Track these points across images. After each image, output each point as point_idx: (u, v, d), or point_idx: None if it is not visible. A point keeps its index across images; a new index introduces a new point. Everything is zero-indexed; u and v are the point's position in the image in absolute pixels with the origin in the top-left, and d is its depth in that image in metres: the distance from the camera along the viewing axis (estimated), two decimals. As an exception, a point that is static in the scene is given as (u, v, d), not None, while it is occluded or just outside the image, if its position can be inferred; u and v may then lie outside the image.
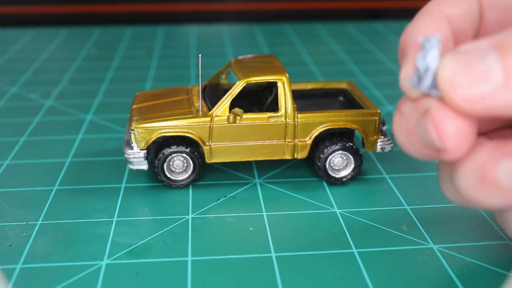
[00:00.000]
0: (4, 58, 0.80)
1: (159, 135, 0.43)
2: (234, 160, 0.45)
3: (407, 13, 0.50)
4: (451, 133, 0.26)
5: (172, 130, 0.43)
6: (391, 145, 0.46)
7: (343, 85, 0.51)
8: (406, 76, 0.27)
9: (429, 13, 0.31)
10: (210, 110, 0.44)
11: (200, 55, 0.44)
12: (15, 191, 0.45)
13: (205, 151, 0.44)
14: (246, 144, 0.44)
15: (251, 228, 0.40)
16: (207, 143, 0.44)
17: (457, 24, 0.31)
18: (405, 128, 0.29)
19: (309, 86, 0.51)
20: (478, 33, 0.34)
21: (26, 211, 0.42)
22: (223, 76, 0.50)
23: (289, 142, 0.44)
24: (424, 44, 0.26)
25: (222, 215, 0.41)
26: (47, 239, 0.38)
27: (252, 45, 0.86)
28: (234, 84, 0.44)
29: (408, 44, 0.29)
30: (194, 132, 0.44)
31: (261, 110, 0.48)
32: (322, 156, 0.45)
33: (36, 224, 0.40)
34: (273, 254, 0.37)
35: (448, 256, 0.36)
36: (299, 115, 0.44)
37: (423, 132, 0.27)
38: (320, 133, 0.45)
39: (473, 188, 0.27)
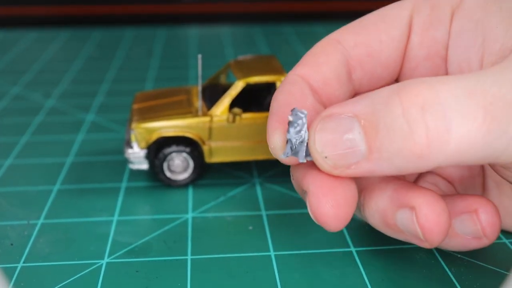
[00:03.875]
0: (6, 58, 0.81)
1: (159, 135, 0.44)
2: (233, 159, 0.45)
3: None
4: (329, 215, 0.27)
5: (172, 129, 0.44)
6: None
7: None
8: (278, 148, 0.29)
9: (286, 79, 0.33)
10: (209, 110, 0.44)
11: (199, 55, 0.44)
12: (17, 191, 0.45)
13: (204, 151, 0.44)
14: (245, 143, 0.44)
15: (250, 227, 0.40)
16: (207, 143, 0.44)
17: (320, 85, 0.32)
18: (296, 188, 0.31)
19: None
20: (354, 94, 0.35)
21: (27, 210, 0.42)
22: (223, 77, 0.50)
23: (288, 141, 0.44)
24: (295, 121, 0.27)
25: (222, 214, 0.42)
26: (48, 238, 0.39)
27: (252, 46, 0.86)
28: (233, 84, 0.44)
29: (273, 114, 0.31)
30: (193, 132, 0.44)
31: (260, 109, 0.48)
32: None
33: (37, 223, 0.40)
34: (272, 253, 0.37)
35: (445, 255, 0.36)
36: (298, 115, 0.44)
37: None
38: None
39: (379, 226, 0.30)
